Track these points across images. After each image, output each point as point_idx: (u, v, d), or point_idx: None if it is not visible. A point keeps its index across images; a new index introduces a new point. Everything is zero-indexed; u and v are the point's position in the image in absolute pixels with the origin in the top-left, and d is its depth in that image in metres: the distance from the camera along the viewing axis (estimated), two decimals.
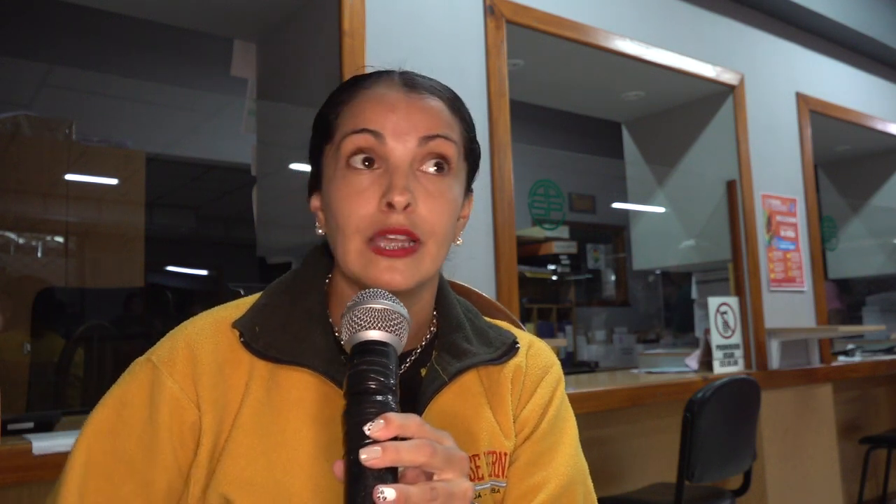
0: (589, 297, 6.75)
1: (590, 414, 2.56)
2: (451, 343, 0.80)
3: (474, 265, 2.33)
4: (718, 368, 3.02)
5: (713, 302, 3.09)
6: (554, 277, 5.90)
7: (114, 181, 2.83)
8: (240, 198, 4.00)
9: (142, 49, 4.34)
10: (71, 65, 4.18)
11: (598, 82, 3.30)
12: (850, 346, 4.12)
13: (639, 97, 3.50)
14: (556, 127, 6.10)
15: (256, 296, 0.80)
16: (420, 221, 0.72)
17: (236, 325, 0.75)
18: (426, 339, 0.82)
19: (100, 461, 0.70)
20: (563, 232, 4.98)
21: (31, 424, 1.57)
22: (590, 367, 4.76)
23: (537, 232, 4.74)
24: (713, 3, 3.37)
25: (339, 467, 0.58)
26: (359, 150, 0.73)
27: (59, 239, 2.70)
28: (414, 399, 0.76)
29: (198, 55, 4.23)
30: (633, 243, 3.84)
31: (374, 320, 0.64)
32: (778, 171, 3.56)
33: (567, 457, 0.81)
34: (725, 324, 3.11)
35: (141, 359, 0.75)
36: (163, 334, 0.78)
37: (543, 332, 5.44)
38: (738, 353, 3.13)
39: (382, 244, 0.71)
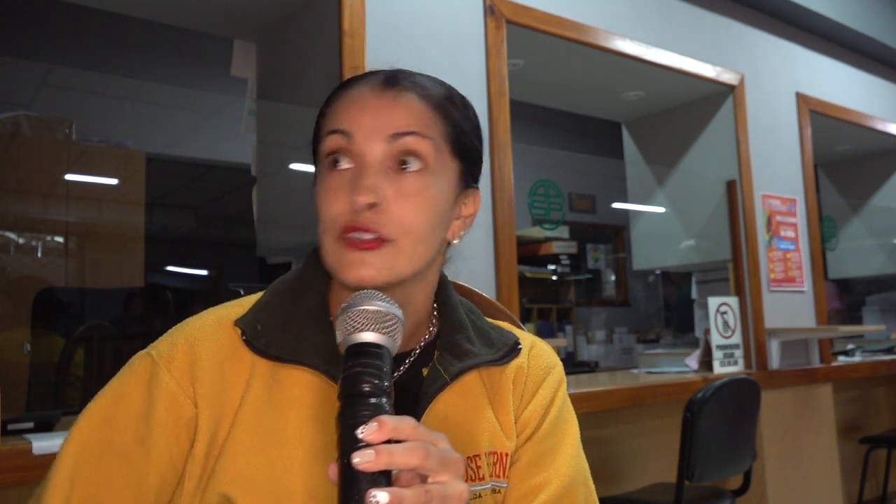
0: (589, 297, 6.75)
1: (590, 414, 2.56)
2: (454, 343, 0.80)
3: (474, 265, 2.33)
4: (718, 368, 3.02)
5: (713, 302, 3.10)
6: (554, 277, 5.90)
7: (114, 181, 2.83)
8: (240, 198, 4.00)
9: (142, 49, 4.34)
10: (71, 65, 4.18)
11: (598, 82, 3.30)
12: (850, 346, 4.12)
13: (639, 97, 3.50)
14: (556, 127, 6.10)
15: (259, 294, 0.81)
16: (390, 220, 0.71)
17: (238, 323, 0.75)
18: (425, 339, 0.82)
19: (93, 451, 0.70)
20: (563, 232, 4.98)
21: (31, 424, 1.57)
22: (590, 367, 4.76)
23: (537, 232, 4.74)
24: (713, 3, 3.37)
25: (333, 470, 0.58)
26: (332, 151, 0.74)
27: (59, 239, 2.70)
28: (415, 399, 0.77)
29: (198, 55, 4.23)
30: (633, 243, 3.84)
31: (367, 322, 0.64)
32: (778, 171, 3.56)
33: (568, 458, 0.81)
34: (725, 324, 3.11)
35: (141, 353, 0.75)
36: (163, 334, 0.78)
37: (543, 332, 5.44)
38: (738, 353, 3.13)
39: (351, 237, 0.71)
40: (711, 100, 3.45)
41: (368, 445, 0.57)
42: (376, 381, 0.61)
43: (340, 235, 0.72)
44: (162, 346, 0.75)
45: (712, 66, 3.28)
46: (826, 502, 3.37)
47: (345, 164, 0.73)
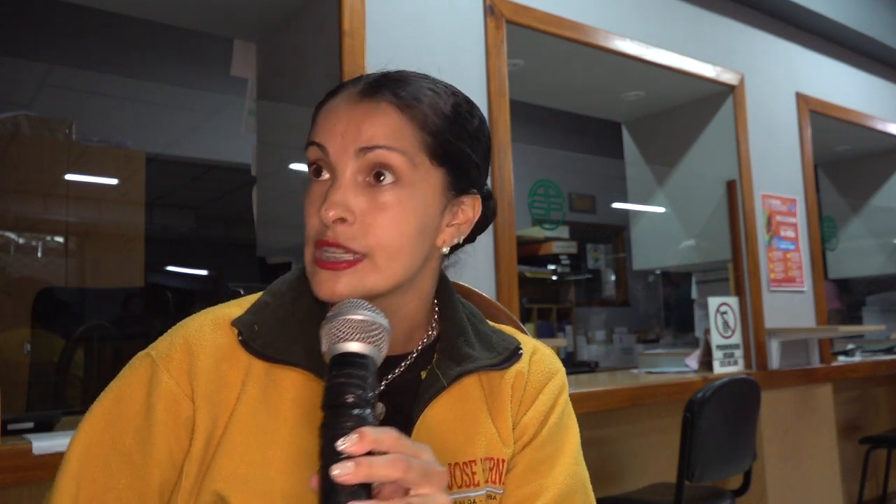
0: (589, 297, 6.75)
1: (590, 414, 2.56)
2: (453, 347, 0.80)
3: (474, 265, 2.33)
4: (718, 368, 3.02)
5: (713, 302, 3.10)
6: (554, 277, 5.90)
7: (114, 181, 2.83)
8: (240, 198, 4.00)
9: (142, 49, 4.34)
10: (71, 65, 4.18)
11: (598, 82, 3.30)
12: (850, 346, 4.12)
13: (639, 97, 3.50)
14: (556, 127, 6.11)
15: (259, 294, 0.81)
16: (361, 235, 0.70)
17: (235, 323, 0.75)
18: (423, 342, 0.82)
19: (97, 452, 0.71)
20: (563, 232, 4.98)
21: (31, 424, 1.57)
22: (590, 367, 4.76)
23: (537, 232, 4.75)
24: (713, 3, 3.37)
25: (315, 482, 0.58)
26: (312, 162, 0.75)
27: (59, 239, 2.70)
28: (412, 402, 0.76)
29: (198, 55, 4.23)
30: (633, 243, 3.84)
31: (353, 331, 0.64)
32: (778, 171, 3.56)
33: (567, 466, 0.81)
34: (725, 324, 3.11)
35: (141, 353, 0.76)
36: (163, 334, 0.79)
37: (543, 332, 5.44)
38: (738, 353, 3.13)
39: (322, 256, 0.71)
40: (711, 100, 3.45)
41: (349, 457, 0.56)
42: (360, 392, 0.60)
43: (314, 248, 0.72)
44: (161, 346, 0.75)
45: (712, 66, 3.28)
46: (826, 502, 3.37)
47: (324, 175, 0.74)
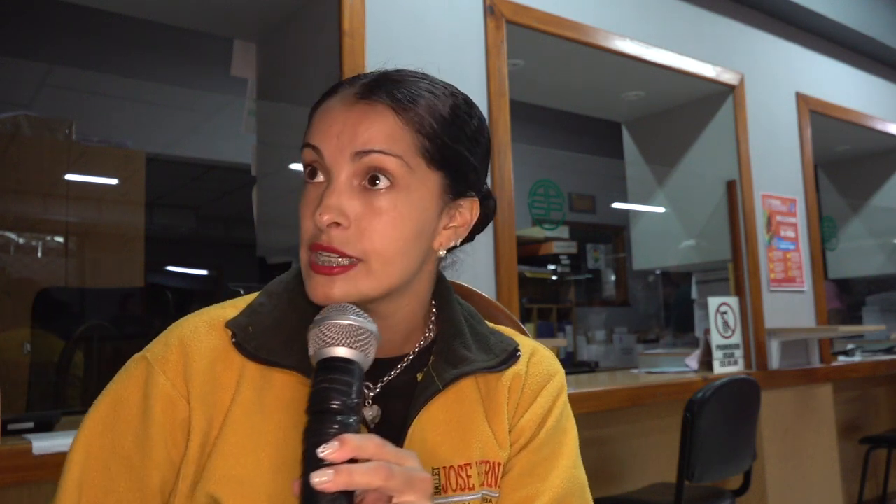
0: (589, 297, 6.75)
1: (590, 414, 2.56)
2: (450, 349, 0.79)
3: (474, 265, 2.33)
4: (718, 368, 3.02)
5: (713, 302, 3.09)
6: (554, 277, 5.90)
7: (114, 181, 2.83)
8: (240, 198, 4.00)
9: (142, 49, 4.34)
10: (71, 65, 4.18)
11: (598, 82, 3.30)
12: (850, 346, 4.12)
13: (639, 97, 3.50)
14: (556, 127, 6.11)
15: (254, 295, 0.80)
16: (356, 239, 0.70)
17: (230, 325, 0.75)
18: (420, 343, 0.81)
19: (97, 457, 0.71)
20: (563, 232, 4.98)
21: (31, 424, 1.57)
22: (590, 367, 4.76)
23: (537, 232, 4.75)
24: (713, 3, 3.37)
25: (296, 488, 0.57)
26: (307, 164, 0.74)
27: (59, 239, 2.70)
28: (407, 404, 0.76)
29: (198, 55, 4.23)
30: (633, 243, 3.84)
31: (339, 336, 0.63)
32: (778, 171, 3.56)
33: (564, 469, 0.80)
34: (725, 324, 3.11)
35: (137, 356, 0.75)
36: (159, 335, 0.78)
37: (543, 332, 5.44)
38: (738, 353, 3.13)
39: (317, 260, 0.70)
40: (711, 100, 3.45)
41: (330, 464, 0.56)
42: (344, 399, 0.60)
43: (309, 251, 0.71)
44: (156, 348, 0.74)
45: (712, 66, 3.28)
46: (826, 502, 3.37)
47: (319, 178, 0.73)
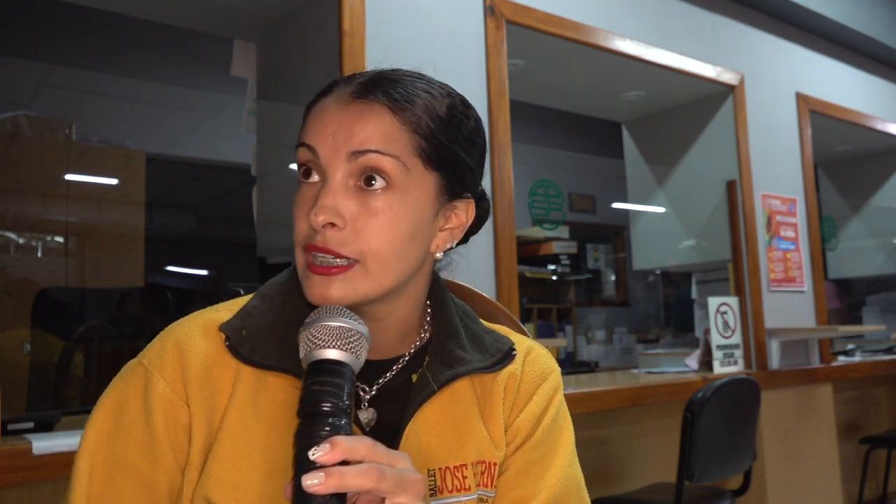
0: (589, 297, 6.75)
1: (590, 414, 2.56)
2: (445, 350, 0.79)
3: (474, 265, 2.33)
4: (718, 368, 3.02)
5: (713, 302, 3.10)
6: (554, 277, 5.90)
7: (114, 181, 2.83)
8: (240, 198, 4.00)
9: (142, 49, 4.34)
10: (71, 65, 4.18)
11: (598, 82, 3.30)
12: (850, 346, 4.12)
13: (639, 97, 3.50)
14: (556, 127, 6.11)
15: (248, 297, 0.79)
16: (352, 240, 0.69)
17: (223, 328, 0.74)
18: (416, 344, 0.81)
19: (102, 468, 0.70)
20: (563, 232, 4.98)
21: (31, 424, 1.57)
22: (590, 367, 4.76)
23: (537, 232, 4.75)
24: (713, 3, 3.37)
25: (289, 490, 0.57)
26: (302, 163, 0.73)
27: (59, 239, 2.70)
28: (403, 405, 0.75)
29: (198, 55, 4.23)
30: (633, 243, 3.84)
31: (330, 338, 0.63)
32: (778, 171, 3.56)
33: (560, 468, 0.79)
34: (725, 324, 3.11)
35: (132, 362, 0.75)
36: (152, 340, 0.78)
37: (543, 332, 5.44)
38: (738, 353, 3.13)
39: (314, 261, 0.70)
40: (711, 100, 3.45)
41: (321, 467, 0.56)
42: (335, 401, 0.60)
43: (304, 252, 0.71)
44: (152, 354, 0.74)
45: (712, 66, 3.28)
46: (826, 502, 3.37)
47: (314, 178, 0.72)
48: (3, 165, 2.56)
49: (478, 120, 0.80)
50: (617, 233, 6.93)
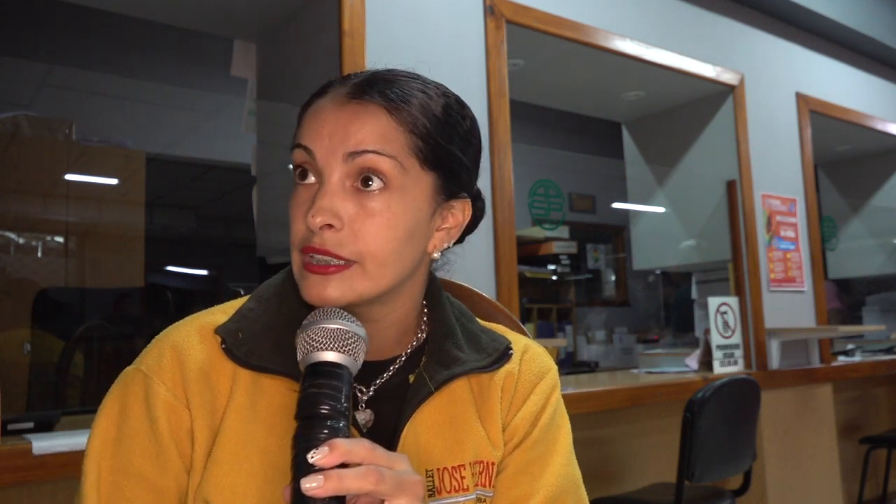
0: (589, 297, 6.75)
1: (590, 414, 2.56)
2: (441, 350, 0.78)
3: (474, 265, 2.33)
4: (718, 368, 3.02)
5: (713, 302, 3.10)
6: (554, 277, 5.90)
7: (114, 181, 2.83)
8: (240, 198, 4.00)
9: (142, 49, 4.34)
10: (71, 65, 4.18)
11: (598, 82, 3.30)
12: (850, 346, 4.12)
13: (639, 97, 3.50)
14: (556, 127, 6.10)
15: (244, 299, 0.79)
16: (349, 241, 0.69)
17: (219, 331, 0.74)
18: (412, 345, 0.80)
19: (109, 479, 0.69)
20: (563, 232, 4.98)
21: (31, 424, 1.57)
22: (590, 367, 4.76)
23: (537, 232, 4.74)
24: (713, 3, 3.37)
25: (288, 494, 0.57)
26: (298, 165, 0.73)
27: (59, 239, 2.70)
28: (400, 406, 0.75)
29: (198, 55, 4.23)
30: (633, 243, 3.84)
31: (327, 341, 0.63)
32: (778, 171, 3.56)
33: (558, 466, 0.79)
34: (725, 324, 3.11)
35: (130, 369, 0.74)
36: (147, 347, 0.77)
37: (543, 332, 5.44)
38: (738, 353, 3.13)
39: (311, 261, 0.70)
40: (711, 100, 3.45)
41: (320, 470, 0.56)
42: (334, 403, 0.59)
43: (301, 254, 0.71)
44: (150, 359, 0.73)
45: (712, 66, 3.28)
46: (826, 502, 3.37)
47: (310, 179, 0.72)
48: (3, 165, 2.56)
49: (473, 119, 0.80)
50: (617, 233, 6.93)
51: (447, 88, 0.78)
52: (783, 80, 3.67)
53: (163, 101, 4.52)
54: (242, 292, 0.85)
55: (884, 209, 4.76)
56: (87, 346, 3.22)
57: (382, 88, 0.72)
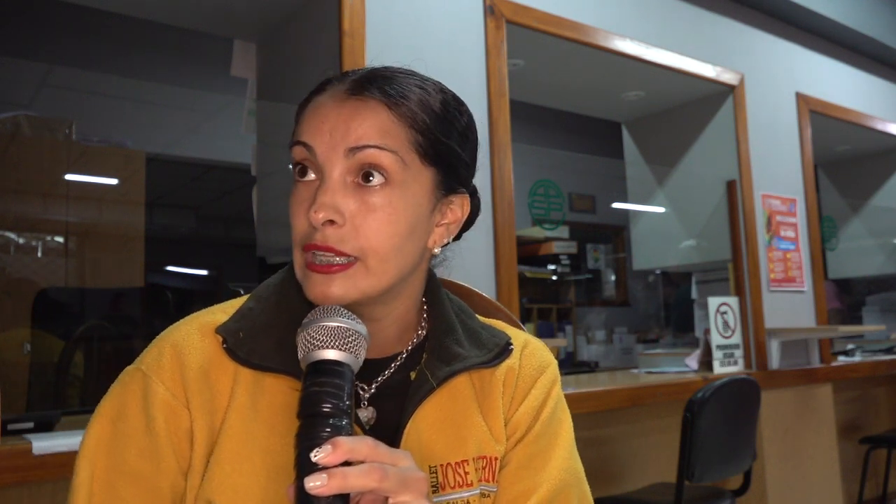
0: (589, 297, 6.75)
1: (590, 414, 2.56)
2: (442, 346, 0.79)
3: (474, 265, 2.33)
4: (718, 368, 3.02)
5: (713, 302, 3.10)
6: (554, 277, 5.90)
7: (114, 181, 2.83)
8: (240, 198, 4.00)
9: (142, 49, 4.34)
10: (71, 65, 4.18)
11: (598, 82, 3.30)
12: (850, 346, 4.12)
13: (639, 97, 3.50)
14: (556, 127, 6.10)
15: (244, 299, 0.79)
16: (351, 237, 0.69)
17: (220, 330, 0.74)
18: (413, 342, 0.81)
19: (103, 477, 0.69)
20: (563, 232, 4.98)
21: (31, 424, 1.57)
22: (590, 367, 4.76)
23: (537, 232, 4.75)
24: (713, 3, 3.37)
25: (292, 493, 0.57)
26: (298, 161, 0.73)
27: (59, 239, 2.70)
28: (402, 403, 0.75)
29: (198, 55, 4.23)
30: (633, 243, 3.84)
31: (328, 339, 0.63)
32: (778, 171, 3.56)
33: (560, 460, 0.80)
34: (725, 324, 3.11)
35: (130, 368, 0.74)
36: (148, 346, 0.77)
37: (543, 332, 5.44)
38: (738, 353, 3.13)
39: (314, 259, 0.70)
40: (711, 100, 3.45)
41: (324, 468, 0.56)
42: (336, 401, 0.59)
43: (303, 252, 0.71)
44: (150, 359, 0.73)
45: (712, 66, 3.28)
46: (826, 502, 3.37)
47: (310, 176, 0.72)
48: (3, 165, 2.56)
49: (470, 115, 0.80)
50: (617, 233, 6.93)
51: (444, 85, 0.79)
52: (783, 80, 3.67)
53: (163, 101, 4.52)
54: (242, 292, 0.85)
55: (884, 209, 4.76)
56: (87, 346, 3.22)
57: (381, 84, 0.72)
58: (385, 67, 0.76)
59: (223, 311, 0.77)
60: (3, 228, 2.61)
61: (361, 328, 0.65)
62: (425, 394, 0.75)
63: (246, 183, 2.57)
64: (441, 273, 0.88)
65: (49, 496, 1.58)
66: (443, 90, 0.77)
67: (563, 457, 0.80)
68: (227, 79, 2.75)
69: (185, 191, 6.20)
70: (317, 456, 0.56)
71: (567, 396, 0.87)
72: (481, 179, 2.33)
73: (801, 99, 3.72)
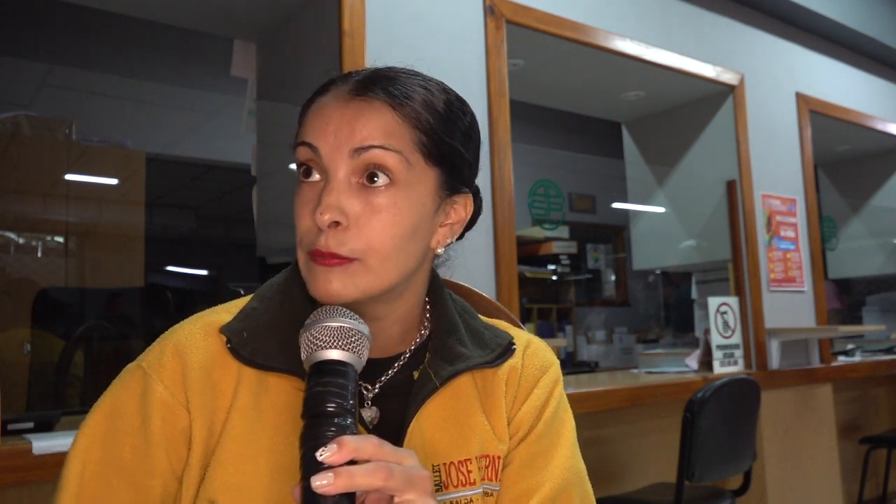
0: (589, 297, 6.75)
1: (590, 414, 2.56)
2: (445, 346, 0.79)
3: (474, 265, 2.33)
4: (718, 368, 3.02)
5: (713, 302, 3.10)
6: (554, 277, 5.90)
7: (114, 181, 2.83)
8: (240, 198, 4.00)
9: (142, 49, 4.34)
10: (71, 65, 4.18)
11: (598, 82, 3.30)
12: (850, 346, 4.12)
13: (639, 97, 3.50)
14: (556, 127, 6.10)
15: (247, 299, 0.79)
16: (354, 238, 0.69)
17: (224, 330, 0.74)
18: (416, 341, 0.81)
19: (95, 470, 0.69)
20: (563, 232, 4.98)
21: (31, 424, 1.57)
22: (590, 367, 4.76)
23: (537, 232, 4.75)
24: (713, 3, 3.37)
25: (297, 492, 0.57)
26: (302, 162, 0.73)
27: (59, 239, 2.70)
28: (405, 403, 0.76)
29: (198, 55, 4.22)
30: (633, 243, 3.84)
31: (331, 339, 0.63)
32: (778, 171, 3.56)
33: (563, 459, 0.80)
34: (725, 324, 3.11)
35: (131, 365, 0.74)
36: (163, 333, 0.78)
37: (543, 332, 5.44)
38: (738, 353, 3.13)
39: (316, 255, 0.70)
40: (711, 100, 3.45)
41: (330, 467, 0.56)
42: (340, 401, 0.60)
43: (308, 256, 0.71)
44: (151, 357, 0.73)
45: (712, 66, 3.28)
46: (826, 502, 3.37)
47: (315, 177, 0.72)
48: (3, 165, 2.56)
49: (473, 115, 0.80)
50: (617, 233, 6.93)
51: (447, 85, 0.79)
52: (783, 80, 3.67)
53: (163, 101, 4.52)
54: (242, 292, 0.85)
55: (884, 209, 4.76)
56: (87, 345, 3.22)
57: (385, 85, 0.72)
58: (388, 68, 0.77)
59: (227, 311, 0.77)
60: (3, 228, 2.61)
61: (364, 328, 0.66)
62: (428, 393, 0.75)
63: (246, 183, 2.57)
64: (444, 273, 0.88)
65: (49, 496, 1.57)
66: (446, 90, 0.77)
67: (565, 456, 0.80)
68: (227, 79, 2.75)
69: (185, 191, 6.20)
70: (322, 455, 0.56)
71: (567, 396, 0.87)
72: (481, 179, 2.33)
73: (801, 99, 3.72)
